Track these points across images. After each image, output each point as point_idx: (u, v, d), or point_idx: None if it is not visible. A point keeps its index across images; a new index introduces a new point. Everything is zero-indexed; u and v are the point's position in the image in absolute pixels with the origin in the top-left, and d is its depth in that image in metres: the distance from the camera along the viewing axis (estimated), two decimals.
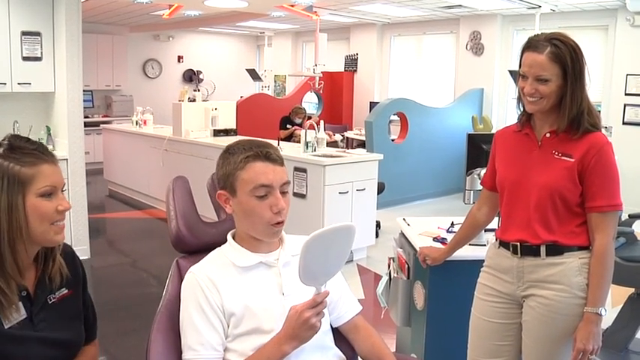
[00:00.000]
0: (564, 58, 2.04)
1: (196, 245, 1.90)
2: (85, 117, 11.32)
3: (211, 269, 1.75)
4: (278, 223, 1.74)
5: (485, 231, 2.89)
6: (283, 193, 1.75)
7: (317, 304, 1.61)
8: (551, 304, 2.15)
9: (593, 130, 2.11)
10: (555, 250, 2.15)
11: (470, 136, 3.08)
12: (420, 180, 8.78)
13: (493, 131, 7.13)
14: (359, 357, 1.97)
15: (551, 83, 2.06)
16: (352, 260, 5.91)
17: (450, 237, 2.87)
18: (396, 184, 7.89)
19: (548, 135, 2.17)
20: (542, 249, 2.16)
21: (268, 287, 1.76)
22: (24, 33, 5.53)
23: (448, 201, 8.63)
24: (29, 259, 1.62)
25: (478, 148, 2.99)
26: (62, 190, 1.62)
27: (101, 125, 10.11)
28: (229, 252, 1.81)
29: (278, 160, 1.75)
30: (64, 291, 1.70)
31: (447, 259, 2.71)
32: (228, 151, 1.78)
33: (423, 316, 2.96)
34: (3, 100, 5.68)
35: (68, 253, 1.76)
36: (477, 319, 2.41)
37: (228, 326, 1.71)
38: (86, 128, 10.86)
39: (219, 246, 1.84)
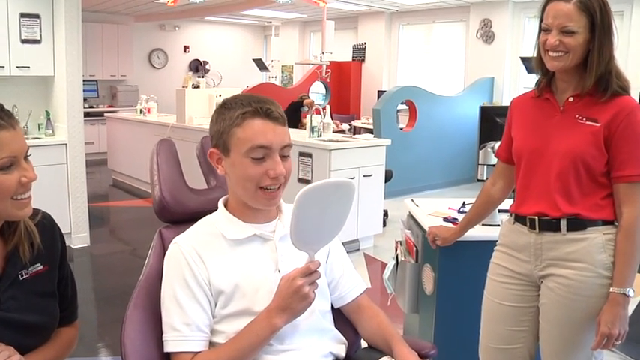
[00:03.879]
0: (593, 8, 1.86)
1: (181, 214, 1.72)
2: (90, 107, 11.31)
3: (198, 240, 1.58)
4: (274, 191, 1.56)
5: (499, 211, 2.72)
6: (284, 157, 1.56)
7: (310, 272, 1.43)
8: (572, 284, 1.96)
9: (622, 93, 1.92)
10: (577, 224, 1.96)
11: (483, 109, 2.90)
12: (428, 170, 8.61)
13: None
14: (362, 339, 1.80)
15: (577, 36, 1.87)
16: (359, 249, 5.75)
17: (461, 217, 2.69)
18: (404, 174, 7.71)
19: (571, 99, 1.98)
20: (563, 223, 1.97)
21: (262, 263, 1.59)
22: (22, 15, 5.36)
23: (457, 191, 8.41)
24: None
25: (491, 121, 2.81)
26: (26, 157, 1.40)
27: (105, 115, 9.97)
28: (219, 221, 1.62)
29: (280, 119, 1.56)
30: (39, 267, 1.51)
31: (458, 239, 2.53)
32: (224, 105, 1.58)
33: (432, 302, 2.78)
34: (1, 84, 5.52)
35: (46, 224, 1.57)
36: (489, 302, 2.22)
37: (216, 305, 1.54)
38: (91, 118, 10.91)
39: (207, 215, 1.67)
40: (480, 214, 2.45)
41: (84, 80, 10.60)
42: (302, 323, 1.55)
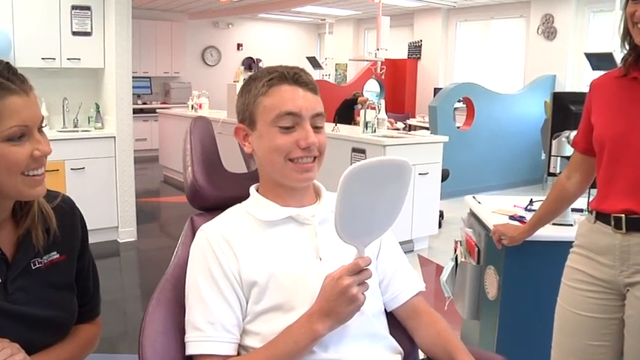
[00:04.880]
0: None
1: (216, 199, 1.52)
2: (143, 103, 11.36)
3: (227, 227, 1.38)
4: (307, 163, 1.37)
5: (572, 210, 2.46)
6: (316, 128, 1.38)
7: (359, 270, 1.20)
8: None
9: None
10: None
11: (556, 96, 2.62)
12: (486, 170, 8.27)
13: None
14: (419, 350, 1.56)
15: None
16: (413, 250, 5.50)
17: (529, 216, 2.44)
18: (460, 174, 7.39)
19: None
20: None
21: (301, 250, 1.38)
22: (74, 7, 5.33)
23: (517, 194, 8.04)
24: (3, 214, 1.27)
25: (565, 109, 2.53)
26: (41, 128, 1.23)
27: (157, 111, 9.96)
28: (251, 206, 1.44)
29: (310, 85, 1.39)
30: (55, 256, 1.33)
31: (527, 239, 2.27)
32: (251, 77, 1.43)
33: (495, 308, 2.54)
34: (52, 76, 5.50)
35: (66, 208, 1.39)
36: (564, 311, 1.95)
37: (247, 302, 1.34)
38: (144, 115, 10.93)
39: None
40: (552, 210, 2.18)
41: (138, 77, 10.76)
42: (350, 327, 1.32)
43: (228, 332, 1.31)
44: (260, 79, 1.39)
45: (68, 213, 1.40)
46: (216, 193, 1.52)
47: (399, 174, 1.22)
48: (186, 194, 1.53)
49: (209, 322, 1.30)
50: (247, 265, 1.33)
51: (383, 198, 1.22)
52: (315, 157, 1.39)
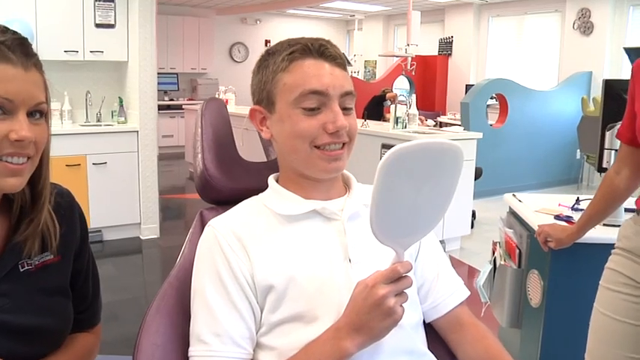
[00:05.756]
0: None
1: (230, 191, 1.33)
2: (170, 100, 11.30)
3: (240, 222, 1.19)
4: (336, 150, 1.17)
5: (625, 210, 2.25)
6: (345, 110, 1.17)
7: (398, 278, 1.00)
8: None
9: None
10: None
11: (607, 83, 2.41)
12: (519, 169, 8.02)
13: None
14: None
15: None
16: (444, 251, 5.26)
17: (577, 216, 2.23)
18: (493, 173, 7.14)
19: None
20: None
21: (326, 250, 1.17)
22: None
23: (553, 194, 7.77)
24: None
25: (617, 98, 2.31)
26: (35, 112, 1.04)
27: (183, 107, 9.87)
28: (269, 198, 1.24)
29: (337, 59, 1.18)
30: (48, 256, 1.15)
31: (576, 241, 2.07)
32: (268, 51, 1.23)
33: (538, 316, 2.33)
34: (75, 69, 5.40)
35: (63, 204, 1.20)
36: (601, 316, 1.75)
37: (262, 310, 1.14)
38: (171, 111, 10.86)
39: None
40: (603, 209, 1.97)
41: (165, 73, 10.69)
42: (385, 342, 1.10)
43: (237, 346, 1.11)
44: (279, 52, 1.19)
45: (65, 209, 1.21)
46: (229, 184, 1.34)
47: (448, 161, 1.01)
48: (195, 185, 1.35)
49: (215, 333, 1.10)
50: (262, 266, 1.13)
51: (429, 190, 1.01)
52: (344, 144, 1.18)
